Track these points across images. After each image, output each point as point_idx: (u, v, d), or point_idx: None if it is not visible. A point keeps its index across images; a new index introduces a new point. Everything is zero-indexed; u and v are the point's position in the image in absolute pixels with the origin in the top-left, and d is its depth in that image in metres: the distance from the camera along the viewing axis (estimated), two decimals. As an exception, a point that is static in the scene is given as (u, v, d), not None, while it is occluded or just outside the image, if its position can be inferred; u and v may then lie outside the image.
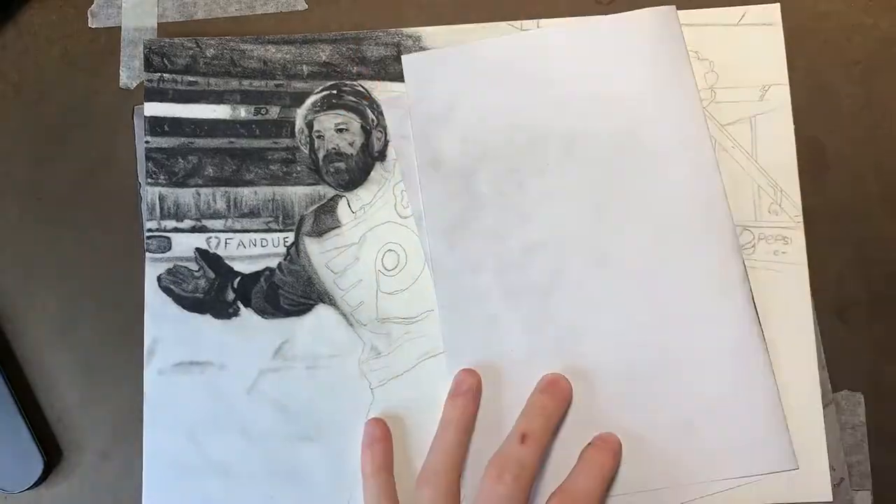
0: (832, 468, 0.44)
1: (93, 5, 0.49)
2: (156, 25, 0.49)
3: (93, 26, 0.49)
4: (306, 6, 0.49)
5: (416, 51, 0.48)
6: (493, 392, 0.44)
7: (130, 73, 0.48)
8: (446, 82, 0.47)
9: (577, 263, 0.45)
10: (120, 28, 0.49)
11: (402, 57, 0.47)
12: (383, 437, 0.44)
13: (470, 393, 0.43)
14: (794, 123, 0.46)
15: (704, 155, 0.45)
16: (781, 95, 0.47)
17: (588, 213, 0.45)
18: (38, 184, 0.48)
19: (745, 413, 0.43)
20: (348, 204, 0.47)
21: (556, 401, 0.43)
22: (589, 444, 0.43)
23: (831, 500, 0.43)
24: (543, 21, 0.48)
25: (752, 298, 0.44)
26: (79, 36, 0.49)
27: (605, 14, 0.47)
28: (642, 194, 0.45)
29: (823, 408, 0.44)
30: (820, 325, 0.45)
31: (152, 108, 0.48)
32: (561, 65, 0.47)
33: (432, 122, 0.47)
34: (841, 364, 0.45)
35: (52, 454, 0.45)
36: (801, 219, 0.46)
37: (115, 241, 0.47)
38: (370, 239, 0.47)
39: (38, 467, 0.44)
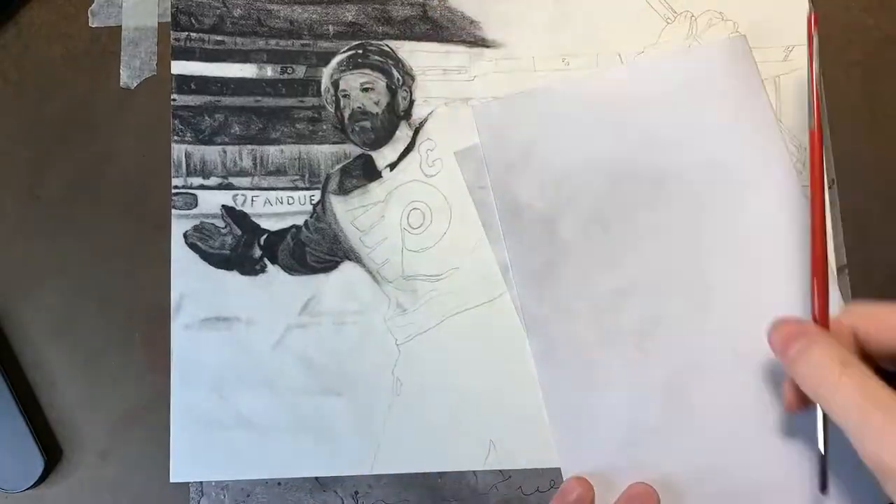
0: None
1: (93, 4, 0.49)
2: (157, 24, 0.49)
3: (93, 25, 0.49)
4: None
5: (442, 10, 0.48)
6: (594, 439, 0.44)
7: (131, 72, 0.48)
8: (520, 128, 0.46)
9: (674, 305, 0.44)
10: (120, 27, 0.49)
11: (472, 106, 0.47)
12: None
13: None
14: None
15: (789, 182, 0.45)
16: (805, 55, 0.47)
17: (680, 250, 0.45)
18: (38, 183, 0.48)
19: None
20: (374, 162, 0.47)
21: None
22: None
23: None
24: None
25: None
26: (79, 35, 0.49)
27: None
28: (733, 228, 0.45)
29: None
30: None
31: (179, 67, 0.48)
32: (637, 102, 0.46)
33: (509, 171, 0.46)
34: None
35: (52, 454, 0.45)
36: (824, 178, 0.46)
37: (116, 240, 0.47)
38: (395, 197, 0.47)
39: (38, 467, 0.44)
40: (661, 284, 0.45)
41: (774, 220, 0.45)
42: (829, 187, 0.46)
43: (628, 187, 0.46)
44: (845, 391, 0.34)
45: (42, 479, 0.45)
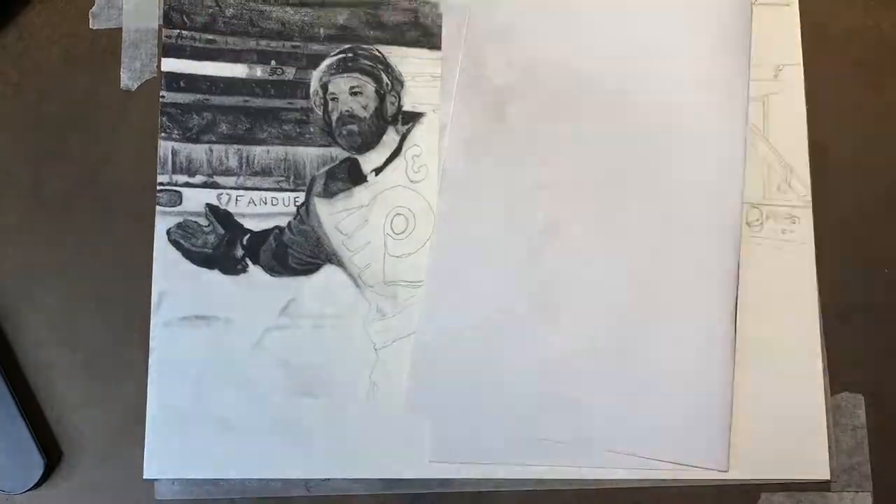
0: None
1: (94, 6, 0.49)
2: (157, 26, 0.49)
3: (94, 27, 0.49)
4: None
5: (433, 17, 0.48)
6: (461, 310, 0.45)
7: (131, 74, 0.48)
8: (512, 2, 0.47)
9: (581, 213, 0.45)
10: (121, 29, 0.49)
11: None
12: None
13: None
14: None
15: (735, 148, 0.45)
16: (795, 75, 0.47)
17: (609, 168, 0.46)
18: (38, 184, 0.48)
19: (694, 402, 0.43)
20: (360, 166, 0.47)
21: None
22: None
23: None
24: None
25: (737, 297, 0.44)
26: (80, 37, 0.49)
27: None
28: (664, 169, 0.46)
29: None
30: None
31: (169, 64, 0.48)
32: (627, 18, 0.47)
33: (487, 37, 0.47)
34: (841, 366, 0.45)
35: (52, 455, 0.45)
36: (809, 198, 0.46)
37: (116, 240, 0.47)
38: (380, 202, 0.47)
39: (38, 468, 0.44)
40: (576, 193, 0.45)
41: (704, 176, 0.45)
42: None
43: (588, 93, 0.46)
44: None
45: (42, 480, 0.45)
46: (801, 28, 0.47)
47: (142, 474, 0.45)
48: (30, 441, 0.44)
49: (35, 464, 0.44)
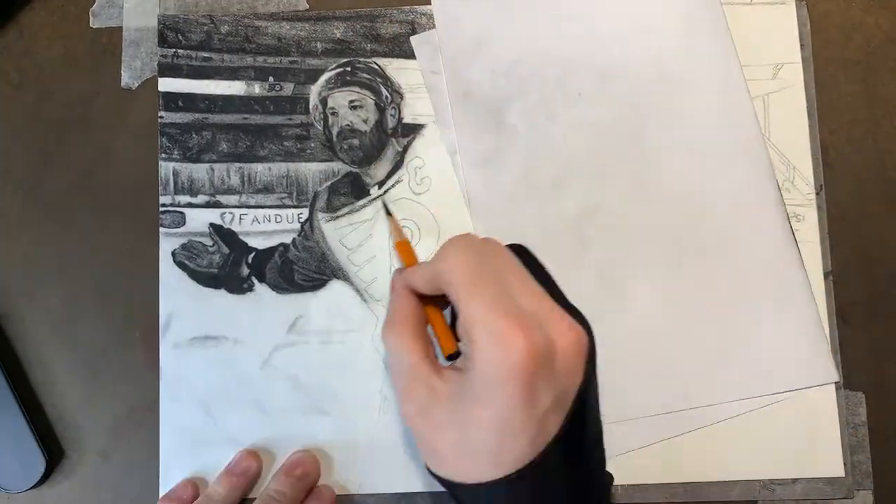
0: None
1: (94, 5, 0.49)
2: (157, 26, 0.48)
3: (94, 26, 0.49)
4: (307, 5, 0.49)
5: (429, 28, 0.48)
6: None
7: (132, 73, 0.48)
8: (475, 16, 0.47)
9: (613, 194, 0.46)
10: (121, 28, 0.49)
11: None
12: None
13: (245, 476, 0.43)
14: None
15: (734, 80, 0.46)
16: (794, 74, 0.47)
17: (621, 142, 0.46)
18: (38, 183, 0.48)
19: (784, 330, 0.44)
20: (362, 180, 0.47)
21: (296, 488, 0.42)
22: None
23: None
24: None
25: (788, 217, 0.45)
26: (80, 36, 0.49)
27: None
28: (675, 121, 0.46)
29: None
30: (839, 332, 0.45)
31: (166, 84, 0.48)
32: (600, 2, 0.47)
33: (462, 56, 0.47)
34: (842, 364, 0.45)
35: (53, 454, 0.45)
36: (813, 196, 0.46)
37: (116, 240, 0.47)
38: (384, 215, 0.47)
39: (39, 467, 0.45)
40: (601, 174, 0.46)
41: (717, 115, 0.46)
42: (817, 193, 0.46)
43: (576, 79, 0.47)
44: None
45: (44, 479, 0.45)
46: (801, 28, 0.47)
47: (142, 474, 0.45)
48: (31, 440, 0.45)
49: (36, 462, 0.45)
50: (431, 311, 0.38)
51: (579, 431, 0.34)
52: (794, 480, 0.44)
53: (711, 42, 0.47)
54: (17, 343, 0.46)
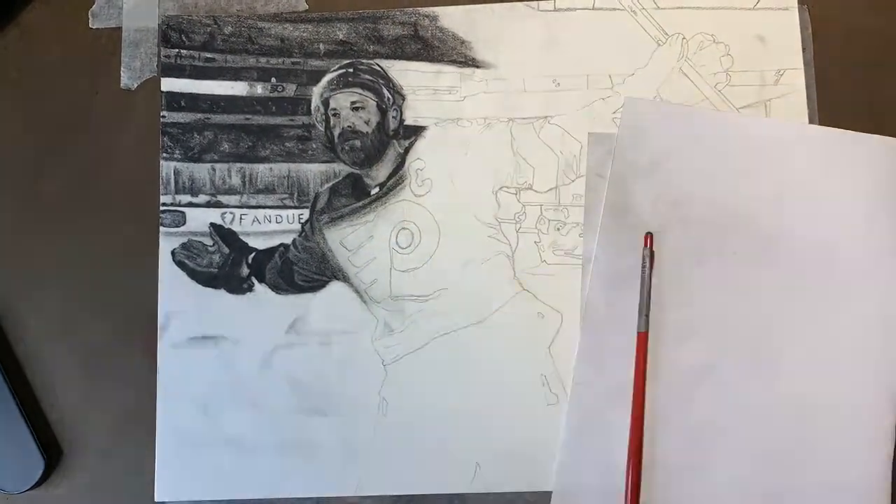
0: None
1: (94, 6, 0.49)
2: (157, 26, 0.49)
3: (94, 27, 0.49)
4: (307, 6, 0.49)
5: (433, 30, 0.48)
6: (602, 460, 0.43)
7: (131, 73, 0.48)
8: (660, 136, 0.46)
9: (731, 359, 0.44)
10: (121, 28, 0.49)
11: (626, 98, 0.46)
12: None
13: None
14: None
15: (892, 298, 0.44)
16: (795, 79, 0.47)
17: (761, 313, 0.44)
18: (38, 184, 0.48)
19: None
20: (363, 182, 0.47)
21: None
22: None
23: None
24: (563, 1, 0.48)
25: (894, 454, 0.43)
26: (80, 36, 0.49)
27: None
28: (818, 315, 0.44)
29: None
30: None
31: (169, 84, 0.48)
32: (781, 160, 0.46)
33: (633, 171, 0.46)
34: None
35: (52, 454, 0.45)
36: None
37: (116, 240, 0.47)
38: (384, 217, 0.47)
39: (38, 467, 0.44)
40: (726, 337, 0.44)
41: (864, 326, 0.44)
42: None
43: (738, 234, 0.45)
44: None
45: (43, 479, 0.45)
46: (803, 31, 0.47)
47: (142, 474, 0.45)
48: (30, 440, 0.44)
49: (35, 463, 0.44)
50: None
51: None
52: None
53: (885, 249, 0.45)
54: (16, 343, 0.46)
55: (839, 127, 0.47)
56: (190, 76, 0.48)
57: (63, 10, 0.49)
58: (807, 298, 0.44)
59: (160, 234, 0.47)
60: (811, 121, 0.47)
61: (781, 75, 0.47)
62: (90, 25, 0.49)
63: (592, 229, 0.45)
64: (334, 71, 0.48)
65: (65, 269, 0.47)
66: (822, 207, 0.45)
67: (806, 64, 0.47)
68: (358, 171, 0.47)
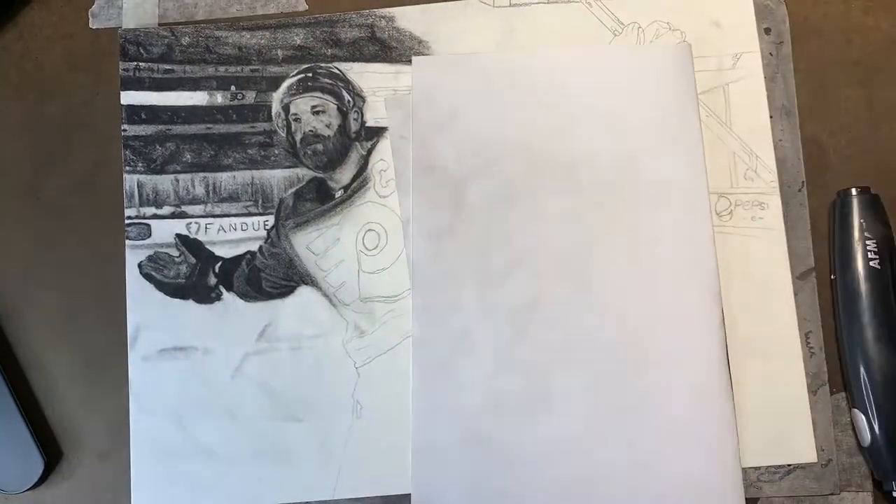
0: (821, 448, 0.44)
1: (93, 6, 0.49)
2: (157, 26, 0.49)
3: (93, 27, 0.49)
4: (307, 6, 0.49)
5: (390, 31, 0.48)
6: (453, 402, 0.44)
7: None
8: (452, 90, 0.47)
9: (558, 289, 0.45)
10: (120, 29, 0.49)
11: (413, 58, 0.47)
12: None
13: None
14: (799, 123, 0.47)
15: (698, 198, 0.45)
16: (753, 63, 0.47)
17: (577, 239, 0.45)
18: (38, 184, 0.48)
19: (703, 457, 0.43)
20: (327, 185, 0.47)
21: None
22: None
23: (815, 460, 0.44)
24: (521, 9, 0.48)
25: (727, 346, 0.44)
26: (79, 36, 0.49)
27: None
28: (633, 229, 0.45)
29: (817, 389, 0.44)
30: (824, 332, 0.45)
31: (129, 97, 0.48)
32: (570, 89, 0.47)
33: (433, 127, 0.46)
34: (841, 364, 0.44)
35: (52, 454, 0.45)
36: (776, 184, 0.46)
37: (116, 240, 0.47)
38: (350, 219, 0.47)
39: (38, 467, 0.44)
40: (549, 268, 0.45)
41: (675, 230, 0.45)
42: (799, 190, 0.46)
43: (542, 168, 0.46)
44: None
45: (42, 480, 0.45)
46: (801, 28, 0.48)
47: None
48: (29, 440, 0.44)
49: (34, 463, 0.44)
50: None
51: None
52: None
53: (682, 153, 0.46)
54: (16, 344, 0.46)
55: (839, 127, 0.47)
56: (149, 88, 0.48)
57: (63, 10, 0.49)
58: (617, 216, 0.45)
59: (126, 248, 0.46)
60: (807, 117, 0.47)
61: (738, 59, 0.47)
62: (90, 25, 0.49)
63: (405, 190, 0.46)
64: (293, 76, 0.48)
65: (65, 268, 0.47)
66: (619, 124, 0.46)
67: (783, 57, 0.47)
68: (321, 175, 0.47)
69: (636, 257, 0.45)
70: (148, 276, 0.46)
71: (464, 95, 0.47)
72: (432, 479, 0.43)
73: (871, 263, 0.43)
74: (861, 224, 0.44)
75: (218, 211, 0.47)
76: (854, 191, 0.44)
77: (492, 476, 0.43)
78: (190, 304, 0.46)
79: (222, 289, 0.46)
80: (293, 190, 0.47)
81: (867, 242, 0.43)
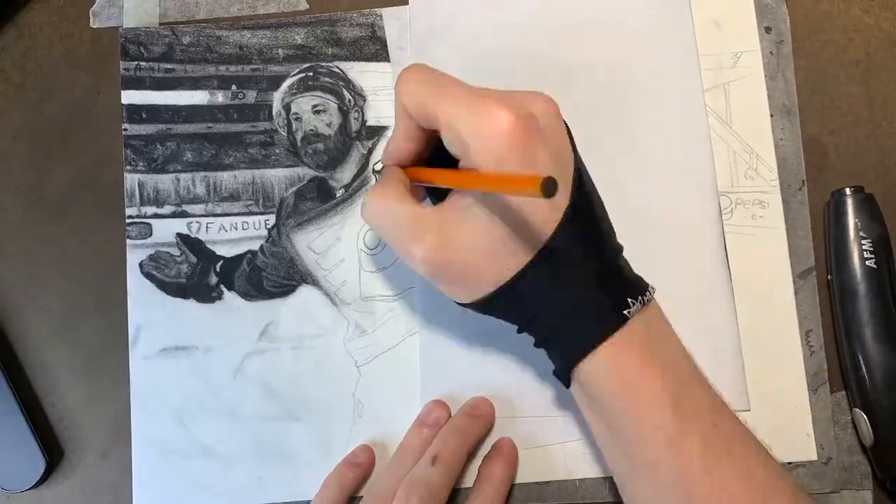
0: (821, 447, 0.44)
1: (94, 5, 0.49)
2: (157, 25, 0.49)
3: (94, 26, 0.49)
4: (308, 6, 0.49)
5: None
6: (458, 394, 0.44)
7: None
8: None
9: None
10: (121, 28, 0.49)
11: None
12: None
13: (436, 427, 0.43)
14: (800, 122, 0.47)
15: (693, 96, 0.46)
16: (753, 62, 0.47)
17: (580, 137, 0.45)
18: (38, 183, 0.48)
19: (706, 353, 0.42)
20: (328, 184, 0.47)
21: (474, 424, 0.43)
22: (486, 455, 0.43)
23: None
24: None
25: (725, 242, 0.45)
26: (80, 36, 0.49)
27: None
28: (631, 128, 0.46)
29: (817, 388, 0.44)
30: (824, 331, 0.45)
31: (129, 97, 0.48)
32: None
33: (430, 35, 0.47)
34: (841, 364, 0.44)
35: (53, 454, 0.45)
36: (777, 183, 0.46)
37: (116, 240, 0.47)
38: (351, 218, 0.47)
39: (39, 467, 0.44)
40: None
41: (671, 128, 0.46)
42: (799, 189, 0.46)
43: (541, 74, 0.47)
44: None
45: (43, 479, 0.45)
46: (801, 27, 0.48)
47: None
48: (31, 440, 0.44)
49: (36, 462, 0.44)
50: (418, 171, 0.38)
51: (587, 201, 0.36)
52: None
53: (675, 52, 0.47)
54: (17, 343, 0.46)
55: (839, 127, 0.47)
56: (150, 87, 0.48)
57: (63, 9, 0.50)
58: (615, 116, 0.46)
59: (127, 247, 0.46)
60: (808, 117, 0.47)
61: (739, 58, 0.47)
62: (90, 25, 0.49)
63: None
64: (294, 75, 0.48)
65: (65, 268, 0.47)
66: (616, 27, 0.47)
67: (783, 56, 0.47)
68: (322, 174, 0.47)
69: (634, 156, 0.46)
70: (149, 276, 0.46)
71: (461, 2, 0.48)
72: (439, 368, 0.44)
73: (868, 263, 0.43)
74: (856, 224, 0.44)
75: (219, 210, 0.47)
76: (848, 190, 0.44)
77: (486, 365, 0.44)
78: (191, 304, 0.46)
79: (223, 288, 0.46)
80: (294, 189, 0.47)
81: (863, 242, 0.43)
